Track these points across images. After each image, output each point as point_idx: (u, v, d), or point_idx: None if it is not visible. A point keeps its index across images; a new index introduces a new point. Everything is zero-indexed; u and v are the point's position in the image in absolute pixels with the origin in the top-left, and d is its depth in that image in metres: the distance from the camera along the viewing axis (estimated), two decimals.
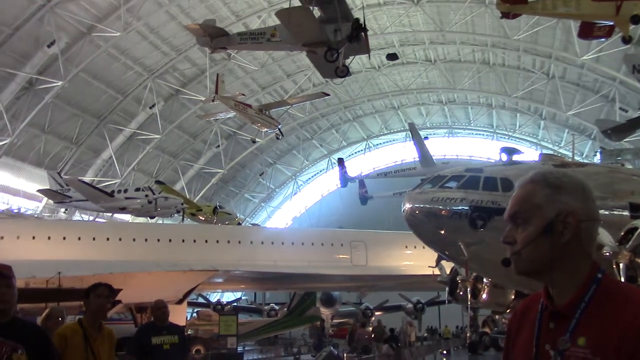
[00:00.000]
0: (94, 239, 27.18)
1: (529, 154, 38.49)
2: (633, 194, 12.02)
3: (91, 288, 5.64)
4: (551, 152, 42.13)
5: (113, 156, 41.04)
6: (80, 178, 34.08)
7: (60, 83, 33.35)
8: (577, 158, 39.03)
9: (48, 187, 33.27)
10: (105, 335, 5.58)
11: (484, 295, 16.82)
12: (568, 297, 2.03)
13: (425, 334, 42.40)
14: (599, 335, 1.92)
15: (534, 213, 2.06)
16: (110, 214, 37.46)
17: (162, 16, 35.16)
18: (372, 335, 31.04)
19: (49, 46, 32.07)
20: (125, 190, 32.30)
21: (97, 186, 34.27)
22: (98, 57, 34.90)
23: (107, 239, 27.33)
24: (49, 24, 31.12)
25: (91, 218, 40.14)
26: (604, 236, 9.50)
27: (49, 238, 26.34)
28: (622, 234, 9.61)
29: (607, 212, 11.52)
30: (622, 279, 9.21)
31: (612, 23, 17.20)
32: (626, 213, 11.20)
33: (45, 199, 36.77)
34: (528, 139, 51.98)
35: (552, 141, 49.70)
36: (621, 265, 9.26)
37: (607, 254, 9.29)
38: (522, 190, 2.13)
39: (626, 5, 16.04)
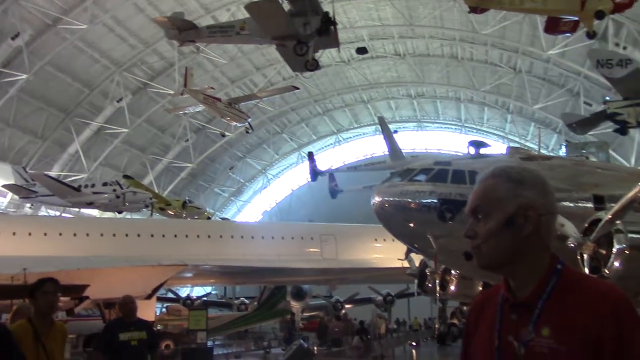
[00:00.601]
0: (60, 234, 26.76)
1: (497, 147, 38.98)
2: (597, 186, 12.26)
3: (36, 286, 5.40)
4: (518, 145, 42.72)
5: (80, 150, 40.37)
6: (46, 173, 33.46)
7: (25, 76, 32.66)
8: (543, 151, 39.62)
9: (13, 182, 32.58)
10: (56, 331, 5.42)
11: (453, 287, 17.04)
12: (529, 289, 2.07)
13: (395, 326, 42.77)
14: (562, 325, 1.96)
15: (496, 207, 2.10)
16: (77, 209, 36.90)
17: (130, 9, 34.63)
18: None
19: (13, 38, 31.36)
20: (93, 185, 31.78)
21: (64, 181, 33.70)
22: (64, 49, 34.27)
23: (74, 235, 26.93)
24: (13, 15, 30.42)
25: (57, 213, 39.49)
26: (569, 227, 9.67)
27: (14, 234, 25.87)
28: (586, 225, 9.80)
29: (571, 204, 11.75)
30: (586, 270, 9.40)
31: (577, 18, 17.50)
32: (590, 205, 11.43)
33: (10, 194, 36.03)
34: (495, 132, 52.57)
35: (519, 134, 50.36)
36: (585, 256, 9.44)
37: (572, 245, 9.46)
38: (483, 185, 2.16)
39: (591, 0, 16.34)
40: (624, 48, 29.79)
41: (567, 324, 1.95)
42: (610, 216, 9.05)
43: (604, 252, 9.42)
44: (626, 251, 9.15)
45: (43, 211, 39.61)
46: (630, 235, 9.24)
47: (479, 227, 2.11)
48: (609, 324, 1.91)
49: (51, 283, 5.48)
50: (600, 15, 16.85)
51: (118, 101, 39.58)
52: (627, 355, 1.90)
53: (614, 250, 9.23)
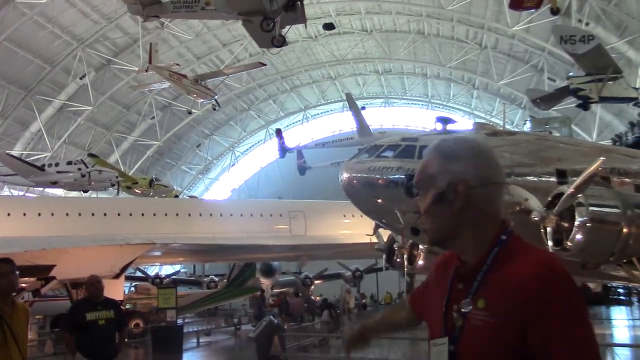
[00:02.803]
0: (24, 214, 26.28)
1: (463, 123, 39.35)
2: (560, 160, 12.46)
3: None
4: (484, 121, 43.20)
5: (42, 129, 39.59)
6: (7, 152, 32.75)
7: None
8: (508, 126, 40.12)
9: None
10: (19, 312, 5.34)
11: (420, 261, 17.21)
12: (473, 261, 2.08)
13: (364, 301, 43.30)
14: (496, 296, 1.96)
15: (429, 183, 2.10)
16: (41, 189, 36.27)
17: None
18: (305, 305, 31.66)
19: None
20: (57, 164, 31.19)
21: (27, 160, 33.04)
22: (23, 25, 33.33)
23: (39, 215, 26.47)
24: None
25: (21, 193, 38.76)
26: (533, 201, 9.83)
27: None
28: (549, 199, 9.97)
29: (535, 179, 11.94)
30: (550, 243, 9.60)
31: None
32: (553, 179, 11.62)
33: None
34: (462, 108, 53.03)
35: (485, 110, 50.91)
36: (548, 229, 9.62)
37: (536, 218, 9.63)
38: (423, 161, 2.16)
39: None
40: (587, 24, 30.16)
41: (500, 296, 1.94)
42: (572, 190, 9.23)
43: (566, 225, 9.61)
44: (587, 224, 9.34)
45: (6, 191, 38.86)
46: (591, 208, 9.43)
47: (420, 203, 2.13)
48: (533, 296, 1.88)
49: (6, 263, 5.34)
50: None
51: (81, 78, 38.80)
52: (548, 329, 1.87)
53: (576, 223, 9.43)
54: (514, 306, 1.89)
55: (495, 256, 2.02)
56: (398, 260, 17.82)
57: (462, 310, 2.00)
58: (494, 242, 2.05)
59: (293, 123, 57.94)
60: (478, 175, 2.05)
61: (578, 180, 9.20)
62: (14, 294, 5.52)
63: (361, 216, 16.75)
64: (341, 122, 52.35)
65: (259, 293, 37.60)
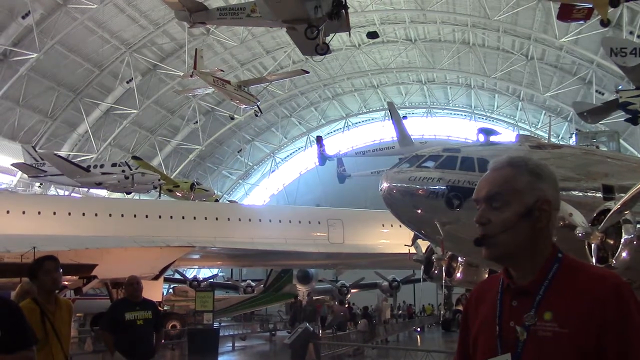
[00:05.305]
0: (69, 214, 26.89)
1: (506, 135, 38.76)
2: (607, 175, 12.18)
3: (36, 266, 5.34)
4: (528, 133, 42.48)
5: (89, 131, 40.53)
6: (55, 152, 33.60)
7: (35, 55, 32.75)
8: (553, 140, 39.40)
9: (22, 161, 32.76)
10: (62, 308, 5.40)
11: (459, 274, 17.02)
12: (531, 277, 2.12)
13: (400, 311, 42.93)
14: (564, 309, 2.01)
15: (515, 197, 2.13)
16: (86, 189, 37.08)
17: None
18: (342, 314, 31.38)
19: (23, 17, 31.41)
20: (102, 165, 31.92)
21: (73, 161, 33.85)
22: (74, 29, 34.26)
23: (83, 214, 27.06)
24: None
25: (66, 193, 39.71)
26: (577, 217, 9.62)
27: (23, 212, 25.99)
28: (595, 215, 9.74)
29: (580, 194, 11.68)
30: (594, 260, 9.36)
31: (591, 5, 17.30)
32: (599, 195, 11.35)
33: (20, 173, 36.23)
34: (506, 119, 52.33)
35: (529, 122, 50.08)
36: (593, 246, 9.40)
37: (580, 234, 9.41)
38: (502, 173, 2.18)
39: None
40: (638, 37, 29.47)
41: (569, 308, 2.00)
42: (619, 206, 8.99)
43: (611, 242, 9.36)
44: (634, 242, 9.09)
45: (52, 190, 39.85)
46: (639, 225, 9.18)
47: (493, 215, 2.14)
48: (610, 306, 1.96)
49: (51, 261, 5.40)
50: (614, 2, 16.67)
51: (128, 82, 39.66)
52: (629, 337, 1.95)
53: (622, 240, 9.17)
54: (590, 315, 1.97)
55: (555, 272, 2.10)
56: (436, 272, 17.66)
57: (526, 323, 2.04)
58: (552, 259, 2.13)
59: (334, 131, 58.03)
60: (557, 198, 2.18)
61: (626, 196, 8.96)
62: (57, 291, 5.60)
63: (400, 226, 16.64)
64: (382, 131, 52.11)
65: (293, 300, 37.63)
